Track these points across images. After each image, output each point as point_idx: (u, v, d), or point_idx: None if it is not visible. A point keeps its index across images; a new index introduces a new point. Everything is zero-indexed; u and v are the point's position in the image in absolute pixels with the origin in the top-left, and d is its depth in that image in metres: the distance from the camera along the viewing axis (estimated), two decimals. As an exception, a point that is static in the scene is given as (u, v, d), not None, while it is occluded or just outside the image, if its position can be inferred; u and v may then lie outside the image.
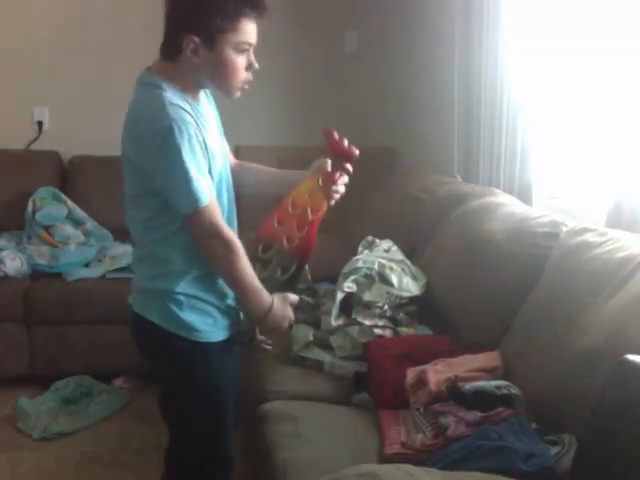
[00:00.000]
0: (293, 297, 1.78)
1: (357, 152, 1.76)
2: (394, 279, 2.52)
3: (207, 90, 1.78)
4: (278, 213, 1.77)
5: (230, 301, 1.76)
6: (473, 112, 3.09)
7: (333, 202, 1.78)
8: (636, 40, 2.17)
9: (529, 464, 1.56)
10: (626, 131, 2.25)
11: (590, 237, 2.05)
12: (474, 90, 3.06)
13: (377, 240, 2.82)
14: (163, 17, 1.64)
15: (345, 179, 1.78)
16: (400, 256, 2.70)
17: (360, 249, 2.77)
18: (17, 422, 2.90)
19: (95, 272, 3.31)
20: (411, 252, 2.84)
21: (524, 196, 2.79)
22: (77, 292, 3.22)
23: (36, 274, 3.32)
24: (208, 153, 1.63)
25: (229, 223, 1.71)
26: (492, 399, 1.82)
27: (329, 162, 1.76)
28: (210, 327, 1.73)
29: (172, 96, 1.60)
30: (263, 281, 1.72)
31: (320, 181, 1.75)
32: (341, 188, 1.77)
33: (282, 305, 1.74)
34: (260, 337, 1.86)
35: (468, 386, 1.87)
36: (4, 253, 3.29)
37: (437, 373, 1.97)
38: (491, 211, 2.55)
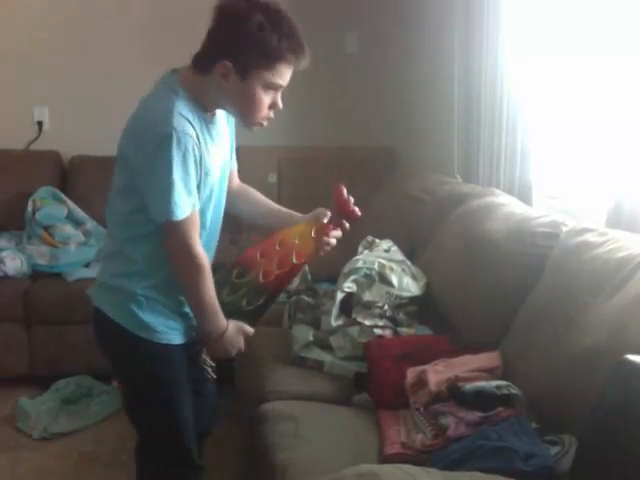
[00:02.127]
0: (249, 329, 1.78)
1: (359, 214, 1.77)
2: (394, 279, 2.51)
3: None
4: (264, 246, 1.77)
5: (186, 308, 1.76)
6: (473, 112, 3.09)
7: (322, 253, 1.79)
8: (636, 40, 2.17)
9: (529, 464, 1.56)
10: (626, 131, 2.25)
11: (590, 237, 2.05)
12: (474, 90, 3.06)
13: (377, 240, 2.82)
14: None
15: (339, 234, 1.79)
16: (400, 256, 2.69)
17: (360, 249, 2.77)
18: (17, 422, 2.90)
19: (95, 272, 3.29)
20: (411, 252, 2.83)
21: (524, 196, 2.79)
22: (77, 292, 3.20)
23: (36, 274, 3.32)
24: (202, 170, 1.63)
25: (206, 244, 1.71)
26: (492, 399, 1.82)
27: (328, 215, 1.77)
28: (170, 330, 1.74)
29: (183, 106, 1.59)
30: (226, 305, 1.72)
31: (313, 231, 1.76)
32: (332, 241, 1.78)
33: (235, 333, 1.75)
34: (204, 357, 1.85)
35: (468, 386, 1.87)
36: (4, 253, 3.29)
37: (437, 373, 1.97)
38: (491, 211, 2.55)
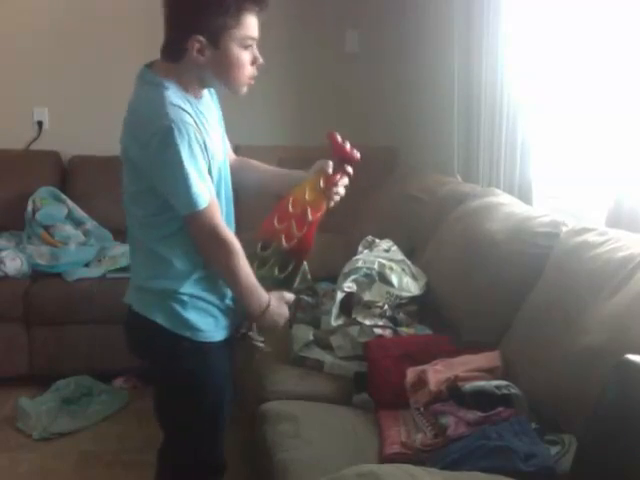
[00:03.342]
0: (289, 296, 1.80)
1: (359, 155, 1.78)
2: (394, 279, 2.51)
3: (212, 88, 1.78)
4: (278, 211, 1.77)
5: (229, 301, 1.76)
6: (473, 112, 3.09)
7: (332, 204, 1.79)
8: (636, 39, 2.17)
9: (529, 464, 1.56)
10: (626, 130, 2.25)
11: (590, 237, 2.05)
12: (474, 90, 3.06)
13: (377, 240, 2.82)
14: (163, 18, 1.63)
15: (345, 181, 1.79)
16: (400, 256, 2.69)
17: (360, 249, 2.77)
18: (17, 422, 2.90)
19: (95, 272, 3.31)
20: (411, 252, 2.83)
21: (524, 196, 2.79)
22: (77, 292, 3.22)
23: (36, 274, 3.32)
24: (208, 154, 1.63)
25: (227, 223, 1.71)
26: (492, 399, 1.82)
27: (331, 164, 1.76)
28: (212, 327, 1.74)
29: (173, 96, 1.59)
30: (260, 279, 1.73)
31: (321, 182, 1.76)
32: (341, 190, 1.78)
33: (278, 303, 1.76)
34: (253, 334, 1.84)
35: (468, 386, 1.87)
36: (4, 253, 3.29)
37: (437, 373, 1.97)
38: (491, 211, 2.55)
